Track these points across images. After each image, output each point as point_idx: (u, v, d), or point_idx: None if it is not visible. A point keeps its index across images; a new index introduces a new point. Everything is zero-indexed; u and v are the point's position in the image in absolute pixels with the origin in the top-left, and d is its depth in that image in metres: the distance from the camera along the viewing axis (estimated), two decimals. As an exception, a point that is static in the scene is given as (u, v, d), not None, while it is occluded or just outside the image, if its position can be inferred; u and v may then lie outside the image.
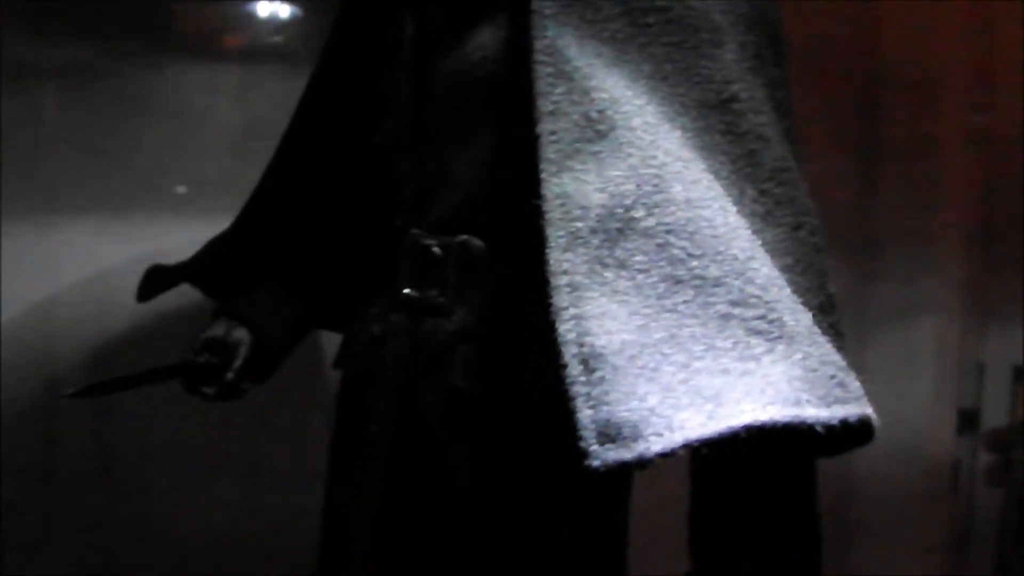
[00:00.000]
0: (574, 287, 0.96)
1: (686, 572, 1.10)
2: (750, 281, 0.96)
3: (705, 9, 1.09)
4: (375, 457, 1.17)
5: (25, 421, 1.77)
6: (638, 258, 0.97)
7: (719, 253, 0.97)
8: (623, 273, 0.97)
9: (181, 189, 1.85)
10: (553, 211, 0.99)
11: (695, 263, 0.97)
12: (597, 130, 1.01)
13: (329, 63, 1.38)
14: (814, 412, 0.91)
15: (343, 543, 1.21)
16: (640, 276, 0.97)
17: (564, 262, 0.97)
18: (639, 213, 0.98)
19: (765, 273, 0.98)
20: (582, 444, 0.90)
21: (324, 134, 1.36)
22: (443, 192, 1.16)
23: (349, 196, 1.33)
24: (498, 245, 1.13)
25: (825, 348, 0.96)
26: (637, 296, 0.96)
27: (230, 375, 1.33)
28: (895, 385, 2.05)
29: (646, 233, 0.97)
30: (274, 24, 1.90)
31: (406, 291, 1.17)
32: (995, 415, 2.23)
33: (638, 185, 0.99)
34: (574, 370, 0.93)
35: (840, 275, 1.13)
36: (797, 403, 0.91)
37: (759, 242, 1.02)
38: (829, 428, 0.91)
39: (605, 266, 0.97)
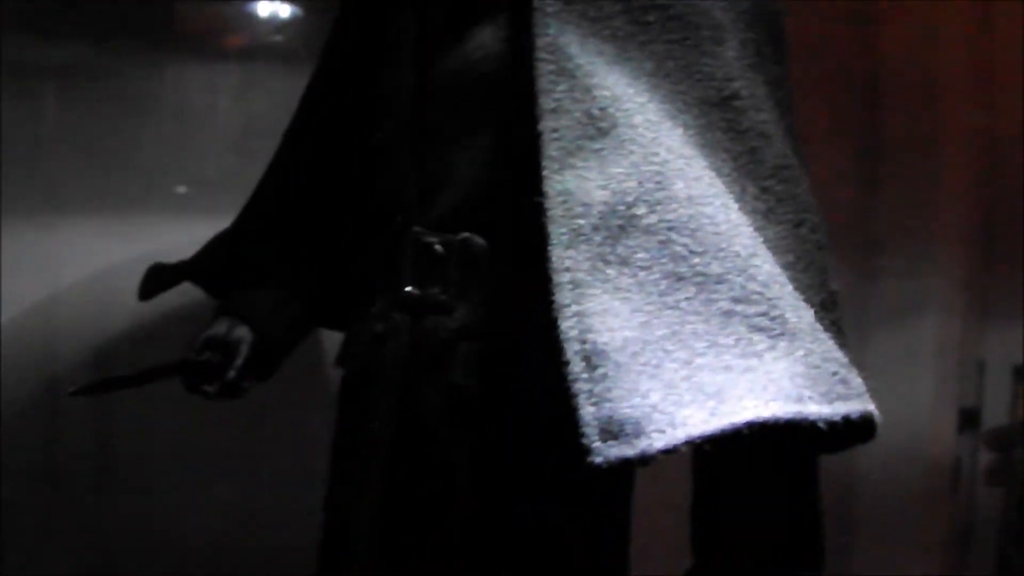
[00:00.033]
0: (576, 284, 0.96)
1: (688, 569, 1.10)
2: (752, 278, 0.96)
3: (706, 7, 1.09)
4: (376, 456, 1.17)
5: (25, 421, 1.77)
6: (640, 255, 0.97)
7: (721, 250, 0.97)
8: (625, 270, 0.97)
9: (182, 188, 1.85)
10: (555, 208, 0.99)
11: (697, 260, 0.97)
12: (599, 127, 1.01)
13: (330, 62, 1.38)
14: (816, 409, 0.91)
15: (344, 542, 1.21)
16: (642, 273, 0.97)
17: (566, 259, 0.97)
18: (641, 210, 0.98)
19: (767, 270, 0.98)
20: (584, 441, 0.90)
21: (325, 133, 1.35)
22: (444, 190, 1.16)
23: (350, 194, 1.33)
24: (500, 243, 1.13)
25: (827, 345, 0.96)
26: (639, 293, 0.96)
27: (231, 373, 1.33)
28: (895, 384, 2.05)
29: (648, 230, 0.98)
30: (275, 24, 1.90)
31: (407, 289, 1.17)
32: (996, 414, 2.23)
33: (640, 182, 0.99)
34: (576, 367, 0.93)
35: (840, 274, 1.13)
36: (799, 400, 0.91)
37: (761, 239, 1.02)
38: (831, 425, 0.91)
39: (607, 263, 0.97)
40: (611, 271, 0.97)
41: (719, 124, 1.07)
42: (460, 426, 1.13)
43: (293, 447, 1.80)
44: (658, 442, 0.89)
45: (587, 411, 0.91)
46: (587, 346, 0.93)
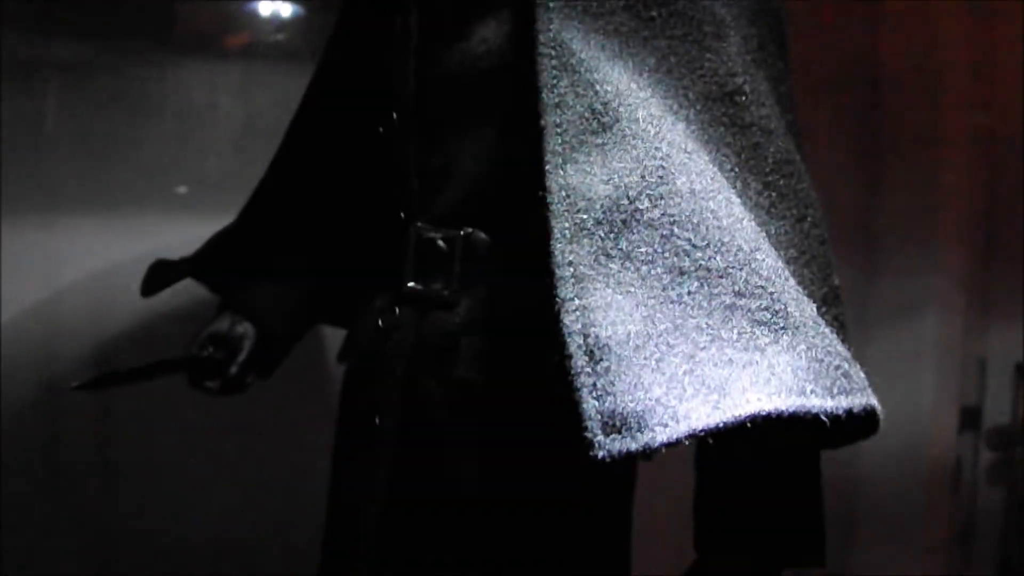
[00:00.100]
0: (579, 278, 0.96)
1: (691, 565, 1.10)
2: (755, 272, 0.97)
3: (709, 3, 1.09)
4: (380, 451, 1.17)
5: (26, 421, 1.77)
6: (643, 249, 0.97)
7: (724, 244, 0.97)
8: (628, 264, 0.97)
9: (183, 187, 1.85)
10: (558, 203, 0.99)
11: (700, 254, 0.97)
12: (602, 122, 1.01)
13: (333, 58, 1.38)
14: (819, 402, 0.91)
15: (348, 538, 1.21)
16: (645, 267, 0.97)
17: (569, 253, 0.97)
18: (644, 204, 0.98)
19: (769, 264, 0.98)
20: (587, 435, 0.90)
21: (328, 129, 1.36)
22: (447, 185, 1.16)
23: (353, 190, 1.33)
24: (502, 238, 1.13)
25: (830, 339, 0.97)
26: (642, 287, 0.96)
27: (234, 369, 1.34)
28: (897, 382, 2.05)
29: (651, 224, 0.98)
30: (276, 23, 1.90)
31: (410, 284, 1.17)
32: (997, 413, 2.23)
33: (643, 177, 0.99)
34: (579, 361, 0.93)
35: (842, 272, 1.13)
36: (802, 393, 0.91)
37: (763, 234, 1.02)
38: (834, 418, 0.91)
39: (610, 257, 0.97)
40: (614, 265, 0.97)
41: (721, 119, 1.07)
42: (463, 420, 1.13)
43: (295, 445, 1.80)
44: (661, 435, 0.89)
45: (590, 404, 0.91)
46: (590, 340, 0.93)
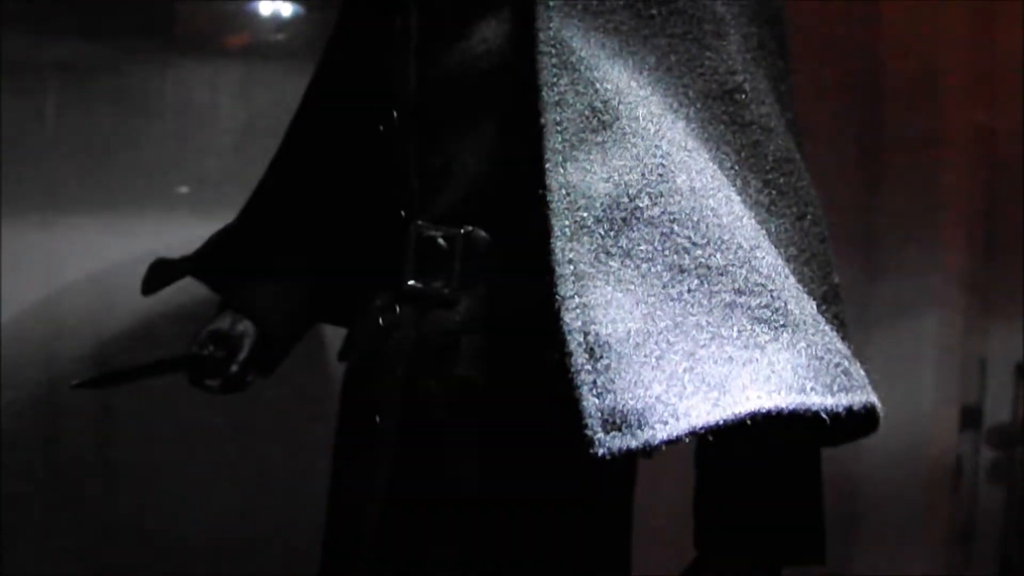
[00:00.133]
0: (579, 276, 0.96)
1: (691, 562, 1.10)
2: (755, 270, 0.97)
3: (709, 1, 1.09)
4: (380, 450, 1.17)
5: (26, 420, 1.77)
6: (643, 247, 0.97)
7: (723, 242, 0.97)
8: (628, 262, 0.97)
9: (183, 187, 1.85)
10: (558, 201, 0.99)
11: (700, 252, 0.97)
12: (602, 120, 1.01)
13: (333, 56, 1.38)
14: (819, 400, 0.91)
15: (349, 537, 1.20)
16: (645, 265, 0.97)
17: (569, 251, 0.97)
18: (644, 202, 0.98)
19: (769, 262, 0.98)
20: (587, 432, 0.90)
21: (329, 126, 1.36)
22: (447, 184, 1.16)
23: (354, 189, 1.33)
24: (503, 236, 1.13)
25: (830, 336, 0.97)
26: (642, 285, 0.96)
27: (234, 368, 1.33)
28: (897, 382, 2.05)
29: (651, 222, 0.98)
30: (276, 22, 1.90)
31: (411, 283, 1.17)
32: (997, 412, 2.23)
33: (643, 175, 0.99)
34: (579, 358, 0.93)
35: (842, 272, 1.13)
36: (802, 391, 0.91)
37: (763, 232, 1.02)
38: (834, 416, 0.91)
39: (610, 255, 0.97)
40: (614, 263, 0.97)
41: (721, 117, 1.07)
42: (464, 418, 1.12)
43: (295, 445, 1.81)
44: (661, 433, 0.89)
45: (590, 402, 0.91)
46: (590, 337, 0.93)
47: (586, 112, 1.02)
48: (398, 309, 1.19)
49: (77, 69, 1.76)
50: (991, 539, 2.23)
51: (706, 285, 0.96)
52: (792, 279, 1.00)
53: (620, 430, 0.90)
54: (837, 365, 0.94)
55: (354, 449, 1.23)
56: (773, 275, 0.97)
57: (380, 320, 1.20)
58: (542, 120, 1.01)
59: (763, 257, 0.98)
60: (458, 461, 1.12)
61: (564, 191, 0.99)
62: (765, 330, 0.94)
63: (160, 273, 1.46)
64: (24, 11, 1.73)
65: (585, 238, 0.98)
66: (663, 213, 0.98)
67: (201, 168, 1.86)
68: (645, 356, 0.92)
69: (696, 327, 0.94)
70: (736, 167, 1.06)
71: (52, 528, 1.81)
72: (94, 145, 1.79)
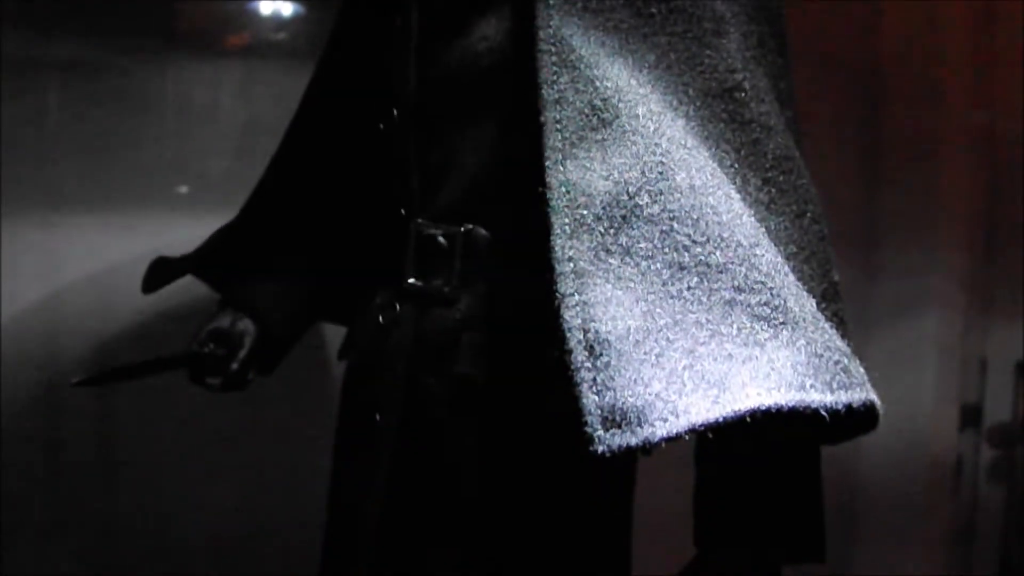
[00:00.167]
0: (579, 274, 0.96)
1: (691, 559, 1.09)
2: (754, 267, 0.97)
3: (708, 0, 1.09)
4: (381, 448, 1.17)
5: (26, 419, 1.77)
6: (643, 245, 0.97)
7: (723, 240, 0.97)
8: (628, 260, 0.97)
9: (184, 186, 1.85)
10: (558, 199, 0.99)
11: (699, 250, 0.97)
12: (601, 118, 1.01)
13: (333, 55, 1.38)
14: (819, 397, 0.91)
15: (349, 535, 1.20)
16: (645, 263, 0.97)
17: (569, 249, 0.97)
18: (643, 200, 0.98)
19: (769, 259, 0.98)
20: (587, 429, 0.91)
21: (329, 124, 1.36)
22: (447, 182, 1.16)
23: (354, 187, 1.34)
24: (503, 234, 1.13)
25: (829, 334, 0.97)
26: (642, 282, 0.96)
27: (235, 366, 1.34)
28: (897, 381, 2.05)
29: (651, 220, 0.98)
30: (277, 21, 1.91)
31: (411, 281, 1.17)
32: (998, 411, 2.23)
33: (642, 172, 0.99)
34: (579, 356, 0.93)
35: (842, 271, 1.13)
36: (802, 388, 0.91)
37: (763, 229, 1.02)
38: (834, 414, 0.91)
39: (610, 253, 0.97)
40: (613, 261, 0.97)
41: (721, 115, 1.07)
42: (464, 417, 1.13)
43: (295, 444, 1.80)
44: (660, 430, 0.89)
45: (589, 399, 0.91)
46: (590, 335, 0.93)
47: (586, 110, 1.02)
48: (398, 307, 1.19)
49: (77, 69, 1.76)
50: (991, 539, 2.23)
51: (706, 283, 0.96)
52: (792, 277, 1.00)
53: (620, 427, 0.90)
54: (837, 363, 0.94)
55: (354, 447, 1.24)
56: (773, 273, 0.98)
57: (380, 318, 1.21)
58: (542, 118, 1.01)
59: (763, 255, 0.98)
60: (458, 459, 1.12)
61: (564, 189, 0.99)
62: (765, 327, 0.94)
63: (160, 272, 1.46)
64: (24, 11, 1.73)
65: (585, 236, 0.98)
66: (663, 211, 0.98)
67: (202, 166, 1.86)
68: (645, 353, 0.93)
69: (696, 324, 0.94)
70: (736, 165, 1.06)
71: (52, 528, 1.80)
72: (94, 145, 1.78)
